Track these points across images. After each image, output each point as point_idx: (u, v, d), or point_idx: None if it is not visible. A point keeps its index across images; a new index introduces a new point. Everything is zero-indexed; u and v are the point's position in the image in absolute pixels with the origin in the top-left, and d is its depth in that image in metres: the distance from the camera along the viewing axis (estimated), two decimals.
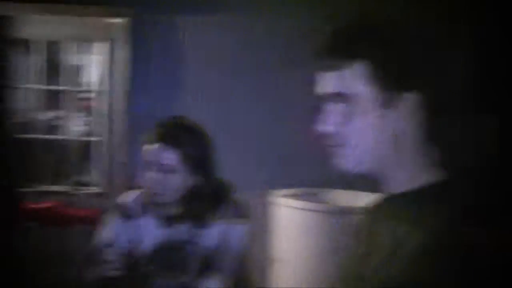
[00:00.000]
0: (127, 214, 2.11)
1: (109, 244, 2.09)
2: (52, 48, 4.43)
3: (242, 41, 4.12)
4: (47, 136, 4.36)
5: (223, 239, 2.02)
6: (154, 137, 2.02)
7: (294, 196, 3.68)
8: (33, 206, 4.08)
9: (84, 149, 4.51)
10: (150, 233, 2.08)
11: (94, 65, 4.50)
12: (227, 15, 4.11)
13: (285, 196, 3.69)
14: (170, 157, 1.99)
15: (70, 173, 4.37)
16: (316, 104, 1.17)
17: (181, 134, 2.03)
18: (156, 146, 2.00)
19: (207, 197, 2.05)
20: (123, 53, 4.08)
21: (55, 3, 4.00)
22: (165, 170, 1.99)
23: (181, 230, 2.05)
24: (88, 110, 4.42)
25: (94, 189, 4.29)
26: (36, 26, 4.23)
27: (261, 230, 3.72)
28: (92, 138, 4.38)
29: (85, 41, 4.37)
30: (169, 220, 2.07)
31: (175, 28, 4.12)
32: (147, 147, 2.02)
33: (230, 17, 4.11)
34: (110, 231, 2.11)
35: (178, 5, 4.10)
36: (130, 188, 3.88)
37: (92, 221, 4.06)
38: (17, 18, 4.20)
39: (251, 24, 4.11)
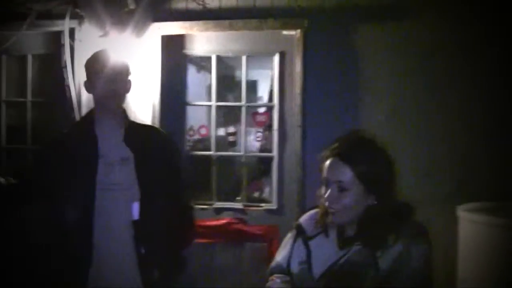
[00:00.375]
0: (301, 234, 2.07)
1: (280, 266, 2.06)
2: (225, 64, 4.50)
3: (419, 48, 3.89)
4: (221, 153, 4.39)
5: (401, 262, 1.84)
6: (329, 153, 1.93)
7: (481, 211, 3.47)
8: (208, 222, 4.16)
9: (258, 165, 4.50)
10: (323, 254, 1.98)
11: (267, 80, 4.49)
12: (404, 22, 3.90)
13: (471, 210, 3.49)
14: (345, 173, 1.88)
15: (245, 189, 4.35)
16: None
17: (356, 150, 1.93)
18: (331, 161, 1.91)
19: (384, 217, 1.89)
20: (295, 66, 4.02)
21: (230, 20, 4.06)
22: (340, 187, 1.89)
23: (356, 252, 1.90)
24: (262, 125, 4.40)
25: (268, 206, 4.25)
26: (209, 42, 4.31)
27: (445, 248, 3.55)
28: (265, 154, 4.34)
29: (257, 55, 4.35)
30: (344, 241, 1.95)
31: (349, 38, 3.98)
32: (323, 163, 1.94)
33: (408, 23, 3.89)
34: (284, 252, 2.08)
35: (351, 14, 3.96)
36: (305, 205, 3.83)
37: (265, 238, 4.09)
38: (192, 35, 4.30)
39: (433, 30, 3.87)
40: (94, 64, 2.66)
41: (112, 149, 2.64)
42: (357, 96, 3.96)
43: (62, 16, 4.21)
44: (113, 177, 2.60)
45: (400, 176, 1.94)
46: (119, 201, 2.61)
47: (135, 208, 2.61)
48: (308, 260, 2.00)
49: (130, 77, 2.73)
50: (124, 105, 2.78)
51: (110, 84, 2.60)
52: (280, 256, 2.08)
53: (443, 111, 3.87)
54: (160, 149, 2.74)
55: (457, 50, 3.85)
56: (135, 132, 2.72)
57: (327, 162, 1.92)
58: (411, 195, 1.96)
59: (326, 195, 1.90)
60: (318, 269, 1.96)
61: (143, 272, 2.62)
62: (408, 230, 1.88)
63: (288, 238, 2.11)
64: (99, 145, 2.63)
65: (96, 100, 2.69)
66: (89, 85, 2.69)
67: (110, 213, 2.59)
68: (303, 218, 2.10)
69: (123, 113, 2.75)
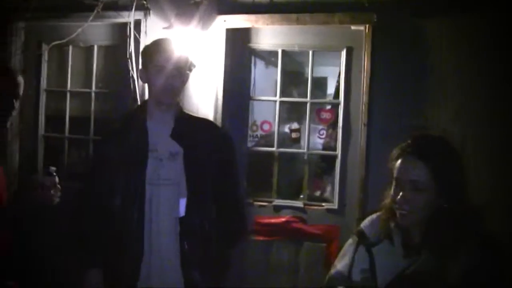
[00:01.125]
0: (363, 241, 2.00)
1: (341, 273, 2.01)
2: (292, 59, 4.46)
3: (488, 43, 3.71)
4: (283, 149, 4.35)
5: (471, 275, 1.75)
6: (402, 151, 1.87)
7: None
8: (267, 220, 4.13)
9: (321, 163, 4.44)
10: (388, 263, 1.91)
11: (334, 76, 4.42)
12: (473, 15, 3.74)
13: None
14: (421, 172, 1.81)
15: (306, 187, 4.30)
16: None
17: (433, 147, 1.86)
18: (405, 160, 1.85)
19: (455, 222, 1.80)
20: (363, 63, 3.94)
21: (298, 13, 4.02)
22: (414, 187, 1.82)
23: (424, 262, 1.82)
24: (327, 123, 4.35)
25: (329, 206, 4.18)
26: (275, 36, 4.27)
27: None
28: (328, 152, 4.29)
29: (324, 50, 4.29)
30: (410, 249, 1.88)
31: (417, 33, 3.86)
32: (394, 162, 1.88)
33: (477, 17, 3.73)
34: (345, 260, 2.03)
35: (419, 8, 3.83)
36: (367, 206, 3.76)
37: (325, 238, 4.04)
38: (258, 29, 4.28)
39: (505, 24, 3.68)
40: (152, 53, 2.60)
41: (162, 143, 2.60)
42: (424, 94, 3.83)
43: (128, 8, 4.26)
44: (162, 172, 2.58)
45: (468, 178, 1.87)
46: (167, 197, 2.58)
47: (182, 204, 2.58)
48: (371, 268, 1.93)
49: (189, 71, 2.68)
50: (186, 98, 2.73)
51: (169, 77, 2.55)
52: (340, 264, 2.02)
53: None
54: (212, 144, 2.66)
55: None
56: (185, 126, 2.66)
57: (400, 161, 1.85)
58: (480, 200, 1.87)
59: (399, 196, 1.83)
60: (383, 278, 1.89)
61: (184, 269, 2.58)
62: (480, 240, 1.79)
63: (349, 245, 2.04)
64: (150, 139, 2.60)
65: (151, 92, 2.65)
66: (145, 75, 2.63)
67: (158, 209, 2.57)
68: (365, 224, 2.03)
69: (177, 106, 2.70)
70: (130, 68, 4.23)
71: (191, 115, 2.80)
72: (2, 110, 2.65)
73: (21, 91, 2.72)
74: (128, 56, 4.24)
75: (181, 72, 2.61)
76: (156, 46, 2.62)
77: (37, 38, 4.71)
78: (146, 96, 4.14)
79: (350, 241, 2.05)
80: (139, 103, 4.18)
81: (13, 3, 4.49)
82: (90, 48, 4.66)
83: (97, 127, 4.56)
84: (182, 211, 2.57)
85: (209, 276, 2.63)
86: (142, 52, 2.71)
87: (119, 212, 2.58)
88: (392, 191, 1.87)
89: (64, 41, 4.50)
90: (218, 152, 2.67)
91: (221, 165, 2.67)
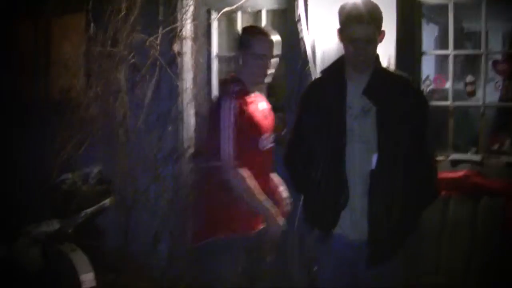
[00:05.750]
0: None
1: None
2: (462, 12, 4.55)
3: None
4: (458, 103, 4.48)
5: None
6: None
7: None
8: (444, 175, 4.29)
9: (498, 116, 4.52)
10: None
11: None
12: None
13: None
14: None
15: (483, 141, 4.41)
16: None
17: None
18: None
19: None
20: None
21: None
22: None
23: None
24: (503, 74, 4.42)
25: (508, 159, 4.25)
26: None
27: None
28: (506, 104, 4.38)
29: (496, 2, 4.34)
30: None
31: None
32: None
33: None
34: None
35: None
36: None
37: (504, 193, 4.10)
38: None
39: None
40: (346, 17, 2.76)
41: (356, 99, 2.81)
42: None
43: None
44: (354, 128, 2.79)
45: None
46: (359, 152, 2.80)
47: (374, 159, 2.76)
48: None
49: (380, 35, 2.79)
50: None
51: (362, 44, 2.72)
52: None
53: None
54: (405, 103, 2.78)
55: None
56: (380, 83, 2.82)
57: None
58: None
59: None
60: None
61: (370, 224, 2.78)
62: None
63: None
64: (347, 94, 2.83)
65: (346, 49, 2.83)
66: (340, 35, 2.82)
67: (352, 164, 2.81)
68: None
69: (375, 62, 2.86)
70: (299, 31, 4.54)
71: (387, 71, 3.00)
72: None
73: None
74: (297, 19, 4.54)
75: (375, 37, 2.77)
76: (351, 11, 2.76)
77: (206, 6, 5.12)
78: (317, 57, 4.48)
79: None
80: (310, 64, 4.50)
81: None
82: (258, 13, 4.99)
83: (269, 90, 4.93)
84: (373, 165, 2.78)
85: (393, 234, 2.81)
86: (339, 11, 2.83)
87: (320, 163, 2.89)
88: None
89: (233, 7, 4.84)
90: (411, 110, 2.80)
91: (414, 124, 2.79)
